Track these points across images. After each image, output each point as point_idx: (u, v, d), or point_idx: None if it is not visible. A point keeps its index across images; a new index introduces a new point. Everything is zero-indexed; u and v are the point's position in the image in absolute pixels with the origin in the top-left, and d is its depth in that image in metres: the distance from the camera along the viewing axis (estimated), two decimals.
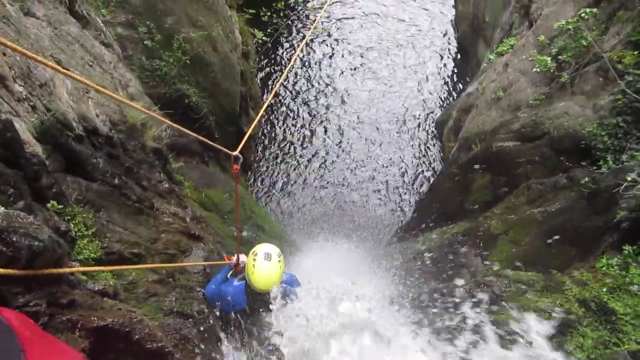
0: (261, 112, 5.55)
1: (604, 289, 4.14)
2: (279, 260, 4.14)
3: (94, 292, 3.01)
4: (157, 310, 4.22)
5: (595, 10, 7.68)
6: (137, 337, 2.92)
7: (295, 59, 11.25)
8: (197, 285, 4.74)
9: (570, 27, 7.86)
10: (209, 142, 3.54)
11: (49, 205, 2.88)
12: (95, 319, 2.60)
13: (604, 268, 4.37)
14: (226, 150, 3.67)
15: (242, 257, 4.68)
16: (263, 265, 4.03)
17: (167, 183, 5.51)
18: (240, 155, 3.68)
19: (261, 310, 4.24)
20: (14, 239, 2.02)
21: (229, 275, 4.52)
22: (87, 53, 4.97)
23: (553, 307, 4.22)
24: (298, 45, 15.72)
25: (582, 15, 7.66)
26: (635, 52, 6.76)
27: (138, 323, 2.99)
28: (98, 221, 3.80)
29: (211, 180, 8.10)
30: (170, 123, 3.61)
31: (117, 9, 7.66)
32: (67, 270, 2.40)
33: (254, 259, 4.09)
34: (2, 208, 2.19)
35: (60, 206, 3.00)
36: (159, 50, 8.26)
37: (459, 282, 5.52)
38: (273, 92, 8.26)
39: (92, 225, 3.51)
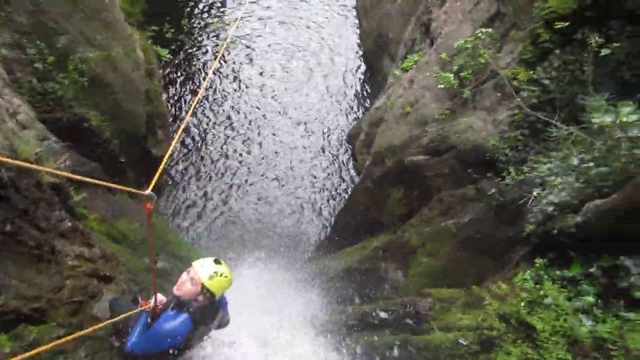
0: (178, 136, 5.15)
1: (522, 304, 4.34)
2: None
3: None
4: None
5: (490, 30, 8.18)
6: None
7: (207, 80, 10.85)
8: (108, 334, 4.31)
9: (468, 45, 8.30)
10: (119, 187, 3.19)
11: None
12: None
13: (520, 283, 4.58)
14: (138, 191, 3.34)
15: (160, 297, 4.29)
16: (215, 268, 3.89)
17: (69, 221, 5.00)
18: (154, 195, 3.36)
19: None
20: None
21: (149, 320, 4.08)
22: None
23: (475, 324, 4.35)
24: (205, 62, 15.33)
25: (479, 34, 8.12)
26: (528, 70, 7.25)
27: None
28: None
29: (119, 211, 7.54)
30: (88, 179, 3.19)
31: (1, 28, 6.90)
32: None
33: (202, 266, 3.89)
34: None
35: None
36: (51, 72, 7.56)
37: (383, 302, 5.55)
38: (190, 112, 7.86)
39: None
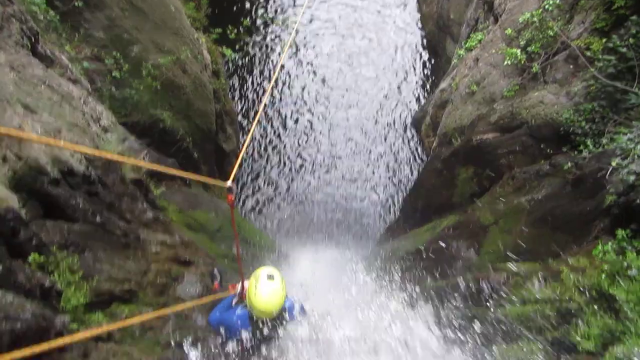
0: (250, 133, 5.37)
1: (603, 276, 4.14)
2: (282, 280, 3.91)
3: (86, 341, 2.88)
4: (155, 345, 4.09)
5: (557, 1, 7.79)
6: None
7: (276, 76, 11.12)
8: (192, 312, 4.61)
9: (535, 19, 7.96)
10: (200, 178, 3.37)
11: (30, 258, 2.75)
12: None
13: (600, 255, 4.37)
14: (219, 182, 3.48)
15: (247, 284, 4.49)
16: (265, 286, 3.79)
17: (150, 212, 5.39)
18: (233, 186, 3.48)
19: (265, 334, 4.09)
20: None
21: (233, 303, 4.31)
22: (54, 93, 4.83)
23: (553, 296, 4.21)
24: (271, 60, 15.68)
25: (546, 6, 7.77)
26: (603, 39, 6.86)
27: None
28: (84, 262, 3.68)
29: (195, 202, 7.97)
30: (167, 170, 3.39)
31: (81, 44, 7.49)
32: (52, 344, 2.23)
33: (256, 282, 3.84)
34: None
35: (42, 257, 2.87)
36: (128, 79, 8.11)
37: (458, 279, 5.50)
38: (261, 109, 8.12)
39: (79, 269, 3.39)
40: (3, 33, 4.63)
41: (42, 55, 5.44)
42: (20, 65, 4.63)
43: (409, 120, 14.52)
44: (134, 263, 4.23)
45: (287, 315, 4.07)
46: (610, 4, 6.89)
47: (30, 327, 2.08)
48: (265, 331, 3.99)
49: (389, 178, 13.38)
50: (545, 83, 8.07)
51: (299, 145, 13.96)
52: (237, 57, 14.56)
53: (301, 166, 13.56)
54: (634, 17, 6.50)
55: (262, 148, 13.83)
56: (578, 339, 3.95)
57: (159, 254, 4.67)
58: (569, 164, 6.30)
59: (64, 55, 6.39)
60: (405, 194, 12.41)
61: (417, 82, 15.55)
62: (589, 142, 6.60)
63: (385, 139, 14.16)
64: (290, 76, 15.36)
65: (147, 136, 7.94)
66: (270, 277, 3.86)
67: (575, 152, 6.74)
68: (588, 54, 7.16)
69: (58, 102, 4.95)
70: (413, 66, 15.91)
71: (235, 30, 13.90)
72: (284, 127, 14.24)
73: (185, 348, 4.02)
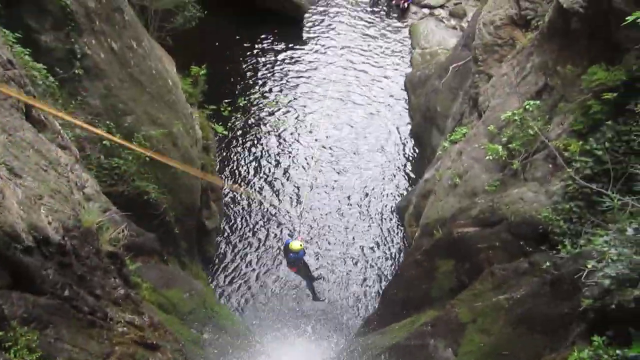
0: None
1: None
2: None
3: None
4: None
5: (538, 102, 8.18)
6: None
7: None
8: None
9: (516, 117, 8.27)
10: (198, 172, 3.33)
11: None
12: None
13: None
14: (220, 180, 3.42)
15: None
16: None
17: (122, 289, 5.22)
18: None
19: None
20: None
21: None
22: (42, 158, 4.85)
23: None
24: (258, 137, 16.03)
25: (527, 107, 8.13)
26: (580, 142, 7.12)
27: None
28: (44, 340, 3.50)
29: (170, 280, 7.79)
30: None
31: (76, 110, 7.64)
32: None
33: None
34: None
35: (1, 332, 2.74)
36: (118, 148, 8.20)
37: None
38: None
39: (37, 348, 3.22)
40: (0, 95, 4.71)
41: (36, 119, 5.51)
42: (12, 128, 4.67)
43: (393, 209, 14.64)
44: (97, 344, 4.03)
45: None
46: (588, 108, 7.16)
47: None
48: None
49: (371, 267, 13.24)
50: (525, 180, 8.29)
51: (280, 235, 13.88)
52: (229, 135, 14.90)
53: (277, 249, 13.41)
54: (609, 122, 6.75)
55: (249, 230, 13.71)
56: None
57: (125, 335, 4.47)
58: (548, 264, 6.33)
59: (58, 121, 6.49)
60: (385, 284, 12.24)
61: (402, 171, 15.89)
62: (567, 242, 6.67)
63: (369, 228, 14.16)
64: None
65: (130, 207, 7.88)
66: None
67: (554, 252, 6.78)
68: (566, 154, 7.35)
69: (44, 167, 4.95)
70: (400, 154, 16.32)
71: (230, 108, 14.33)
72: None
73: None
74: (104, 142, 7.97)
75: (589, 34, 7.32)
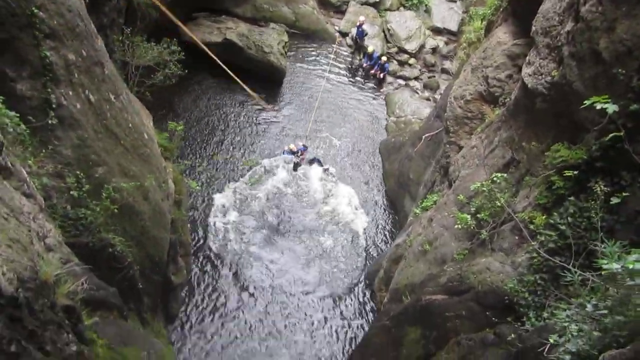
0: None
1: None
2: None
3: None
4: None
5: (505, 175, 8.47)
6: None
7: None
8: None
9: (485, 189, 8.51)
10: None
11: None
12: None
13: None
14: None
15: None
16: None
17: (75, 345, 4.99)
18: None
19: None
20: None
21: None
22: (3, 206, 4.74)
23: None
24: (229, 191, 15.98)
25: (494, 179, 8.39)
26: (545, 215, 7.33)
27: None
28: None
29: (128, 338, 7.47)
30: None
31: (46, 159, 7.55)
32: None
33: None
34: None
35: None
36: (85, 199, 8.06)
37: None
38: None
39: None
40: None
41: (2, 166, 5.44)
42: None
43: (363, 273, 14.53)
44: None
45: None
46: (551, 183, 7.39)
47: None
48: None
49: (336, 332, 12.93)
50: (492, 250, 8.42)
51: (251, 288, 13.63)
52: (202, 190, 14.85)
53: (247, 310, 13.09)
54: (571, 199, 6.98)
55: (210, 290, 13.34)
56: None
57: None
58: (512, 336, 6.34)
59: (25, 169, 6.39)
60: (351, 352, 11.95)
61: (374, 235, 15.94)
62: (531, 314, 6.73)
63: (337, 289, 13.96)
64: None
65: (93, 260, 7.66)
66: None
67: (519, 323, 6.81)
68: (532, 227, 7.53)
69: (5, 215, 4.84)
70: (372, 219, 16.42)
71: (205, 164, 14.40)
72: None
73: None
74: (72, 192, 7.84)
75: (552, 113, 7.72)
